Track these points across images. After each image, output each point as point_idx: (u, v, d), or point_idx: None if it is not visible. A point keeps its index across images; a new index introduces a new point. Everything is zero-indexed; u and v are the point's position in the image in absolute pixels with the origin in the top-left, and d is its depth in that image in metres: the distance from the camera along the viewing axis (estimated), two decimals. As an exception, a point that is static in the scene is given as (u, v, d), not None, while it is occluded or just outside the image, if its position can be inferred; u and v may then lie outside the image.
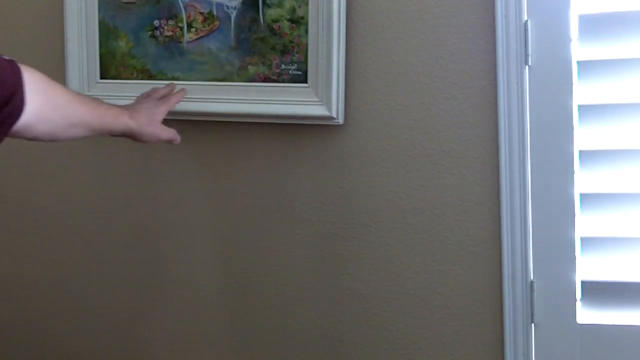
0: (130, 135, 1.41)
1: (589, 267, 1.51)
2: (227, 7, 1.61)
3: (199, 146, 1.67)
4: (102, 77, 1.69)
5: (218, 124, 1.65)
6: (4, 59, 1.13)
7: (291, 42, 1.58)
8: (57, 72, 1.71)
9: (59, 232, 1.77)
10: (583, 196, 1.51)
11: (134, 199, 1.72)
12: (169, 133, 1.49)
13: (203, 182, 1.68)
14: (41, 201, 1.78)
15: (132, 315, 1.75)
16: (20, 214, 1.80)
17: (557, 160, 1.50)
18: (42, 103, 1.17)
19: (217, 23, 1.62)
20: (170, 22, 1.64)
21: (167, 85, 1.58)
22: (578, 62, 1.49)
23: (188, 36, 1.64)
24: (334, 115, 1.56)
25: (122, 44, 1.67)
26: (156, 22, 1.65)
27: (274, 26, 1.58)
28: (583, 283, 1.52)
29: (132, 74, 1.67)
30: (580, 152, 1.50)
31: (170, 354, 1.73)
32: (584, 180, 1.51)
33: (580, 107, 1.50)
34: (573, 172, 1.50)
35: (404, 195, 1.58)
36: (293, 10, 1.57)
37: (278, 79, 1.59)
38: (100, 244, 1.75)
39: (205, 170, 1.68)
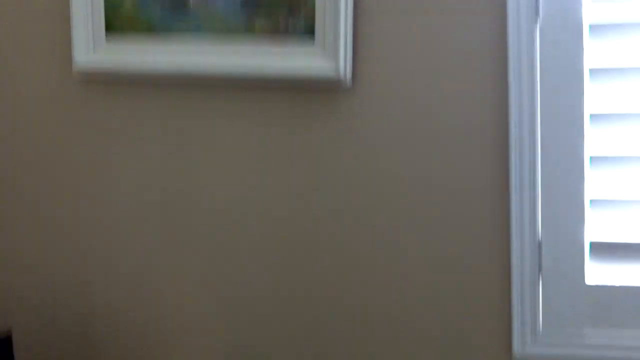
0: None
1: (598, 228, 1.51)
2: (234, -38, 1.59)
3: (198, 111, 1.67)
4: (107, 36, 1.66)
5: (220, 87, 1.64)
6: None
7: (299, -2, 1.55)
8: (62, 32, 1.70)
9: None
10: (593, 158, 1.50)
11: (140, 170, 1.72)
12: None
13: (204, 149, 1.67)
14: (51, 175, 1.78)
15: (139, 281, 1.76)
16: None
17: (568, 120, 1.49)
18: None
19: (223, -21, 1.60)
20: (176, -21, 1.62)
21: None
22: (590, 25, 1.47)
23: (194, -7, 1.62)
24: (342, 76, 1.54)
25: (127, 2, 1.65)
26: (161, -21, 1.63)
27: (281, -18, 1.56)
28: (592, 244, 1.52)
29: (137, 33, 1.65)
30: (592, 115, 1.49)
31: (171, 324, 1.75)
32: (594, 141, 1.50)
33: (591, 70, 1.48)
34: (583, 133, 1.48)
35: (411, 155, 1.57)
36: (301, -35, 1.55)
37: (285, 37, 1.57)
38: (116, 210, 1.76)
39: (206, 136, 1.67)
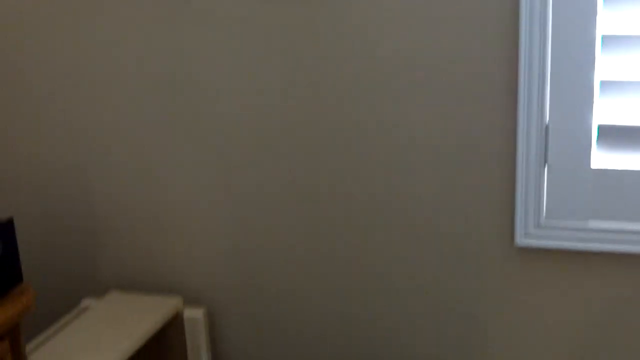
0: None
1: (607, 111, 1.48)
2: None
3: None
4: None
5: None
6: None
7: None
8: None
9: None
10: (605, 37, 1.45)
11: (140, 49, 1.67)
12: None
13: (205, 25, 1.62)
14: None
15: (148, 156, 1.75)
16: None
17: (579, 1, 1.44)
18: None
19: None
20: None
21: None
22: None
23: None
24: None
25: None
26: None
27: None
28: (600, 127, 1.48)
29: None
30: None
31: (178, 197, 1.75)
32: (606, 21, 1.44)
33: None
34: (595, 12, 1.43)
35: (418, 34, 1.52)
36: None
37: None
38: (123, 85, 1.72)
39: (206, 10, 1.61)
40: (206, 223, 1.74)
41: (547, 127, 1.50)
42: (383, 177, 1.62)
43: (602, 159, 1.49)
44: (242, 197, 1.70)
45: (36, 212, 1.83)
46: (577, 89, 1.47)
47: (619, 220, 1.51)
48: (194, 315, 1.71)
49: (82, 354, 1.50)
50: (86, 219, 1.80)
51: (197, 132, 1.69)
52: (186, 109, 1.68)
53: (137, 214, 1.77)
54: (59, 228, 1.83)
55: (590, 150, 1.49)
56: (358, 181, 1.63)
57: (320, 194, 1.66)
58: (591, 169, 1.49)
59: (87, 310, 1.71)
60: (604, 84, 1.47)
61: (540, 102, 1.49)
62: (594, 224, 1.52)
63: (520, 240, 1.55)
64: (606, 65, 1.46)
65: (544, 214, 1.54)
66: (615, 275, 1.55)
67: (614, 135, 1.49)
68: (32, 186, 1.82)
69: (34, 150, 1.80)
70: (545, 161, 1.52)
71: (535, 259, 1.58)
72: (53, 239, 1.84)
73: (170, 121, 1.70)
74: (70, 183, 1.79)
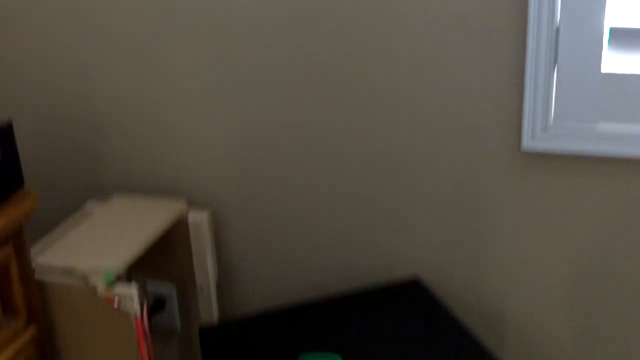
0: None
1: (619, 13, 1.43)
2: None
3: None
4: None
5: None
6: None
7: None
8: None
9: None
10: None
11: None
12: None
13: None
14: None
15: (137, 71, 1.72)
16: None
17: None
18: None
19: None
20: None
21: None
22: None
23: None
24: None
25: None
26: None
27: None
28: (612, 30, 1.45)
29: None
30: None
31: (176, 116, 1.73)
32: None
33: None
34: None
35: None
36: None
37: None
38: None
39: None
40: (211, 126, 1.72)
41: (557, 29, 1.46)
42: (390, 80, 1.59)
43: (613, 61, 1.46)
44: (249, 101, 1.68)
45: (39, 114, 1.81)
46: (590, -11, 1.43)
47: (627, 123, 1.48)
48: (199, 218, 1.71)
49: (86, 258, 1.51)
50: (89, 121, 1.79)
51: (204, 32, 1.65)
52: (190, 23, 1.64)
53: (142, 116, 1.76)
54: (62, 130, 1.81)
55: (601, 53, 1.45)
56: (367, 84, 1.60)
57: (328, 99, 1.64)
58: (601, 72, 1.46)
59: (91, 213, 1.71)
60: (618, -16, 1.43)
61: (551, 2, 1.44)
62: (602, 126, 1.49)
63: (527, 143, 1.53)
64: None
65: (552, 117, 1.51)
66: (623, 179, 1.53)
67: (626, 38, 1.45)
68: (33, 88, 1.80)
69: (35, 49, 1.77)
70: (555, 63, 1.48)
71: (542, 163, 1.56)
72: (56, 141, 1.83)
73: (176, 21, 1.66)
74: (72, 85, 1.77)
